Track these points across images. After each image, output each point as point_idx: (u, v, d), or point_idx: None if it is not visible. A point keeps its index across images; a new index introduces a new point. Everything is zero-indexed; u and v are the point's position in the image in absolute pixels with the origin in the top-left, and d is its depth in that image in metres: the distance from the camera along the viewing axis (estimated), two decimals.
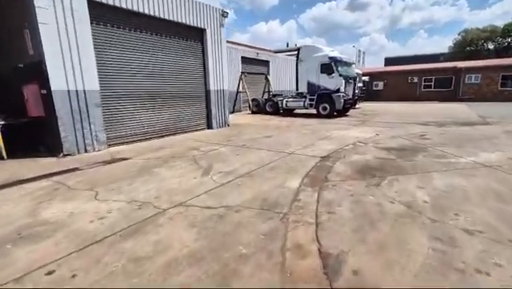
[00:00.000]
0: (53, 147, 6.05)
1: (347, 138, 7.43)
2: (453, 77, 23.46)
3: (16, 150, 6.06)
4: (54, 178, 4.42)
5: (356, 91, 14.39)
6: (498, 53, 35.20)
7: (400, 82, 25.66)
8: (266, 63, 20.62)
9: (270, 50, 21.49)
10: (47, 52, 5.50)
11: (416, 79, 25.03)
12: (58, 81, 5.70)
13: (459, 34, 40.26)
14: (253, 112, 16.55)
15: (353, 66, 14.37)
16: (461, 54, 37.28)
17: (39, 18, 5.33)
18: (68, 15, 5.74)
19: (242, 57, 18.00)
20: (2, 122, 5.82)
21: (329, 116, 13.24)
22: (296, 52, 14.31)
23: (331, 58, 12.88)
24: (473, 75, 22.04)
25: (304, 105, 14.19)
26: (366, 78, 24.73)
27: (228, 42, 17.06)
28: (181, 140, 7.84)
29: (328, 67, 12.88)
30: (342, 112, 14.19)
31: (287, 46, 39.82)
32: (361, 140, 7.04)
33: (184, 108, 8.90)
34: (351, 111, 15.31)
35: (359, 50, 73.28)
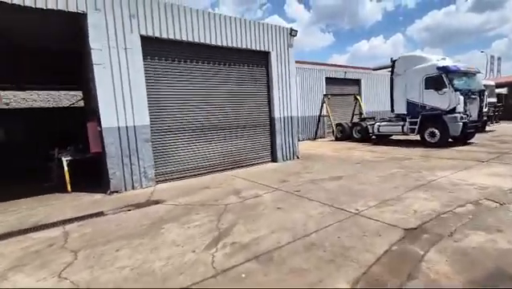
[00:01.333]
0: (105, 183, 6.11)
1: (463, 188, 4.74)
2: None
3: (83, 183, 6.43)
4: (69, 226, 4.07)
5: (485, 110, 10.36)
6: None
7: None
8: (356, 82, 18.19)
9: (362, 68, 18.94)
10: (100, 91, 5.64)
11: None
12: (108, 118, 5.75)
13: None
14: (337, 139, 14.37)
15: (478, 76, 10.51)
16: None
17: (94, 59, 5.53)
18: (122, 54, 5.83)
19: (327, 78, 16.33)
20: (69, 158, 6.29)
21: (439, 144, 9.83)
22: (391, 66, 11.63)
23: (440, 68, 9.71)
24: None
25: (403, 130, 11.17)
26: (503, 90, 18.45)
27: (310, 63, 15.86)
28: (233, 177, 6.88)
29: (437, 80, 9.72)
30: (461, 139, 10.40)
31: (391, 60, 35.04)
32: (491, 195, 4.28)
33: (244, 140, 8.02)
34: (477, 137, 11.13)
35: (492, 57, 57.91)
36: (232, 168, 7.73)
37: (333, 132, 14.76)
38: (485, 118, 10.40)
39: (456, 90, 9.41)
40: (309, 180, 6.02)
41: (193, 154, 7.12)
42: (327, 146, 12.26)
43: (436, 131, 9.95)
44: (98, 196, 5.74)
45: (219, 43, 7.19)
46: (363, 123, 12.98)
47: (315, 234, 3.28)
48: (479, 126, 10.38)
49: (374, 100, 18.70)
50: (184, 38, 6.63)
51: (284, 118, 8.64)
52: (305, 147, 12.36)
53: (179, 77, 6.83)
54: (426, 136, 10.30)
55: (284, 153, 8.69)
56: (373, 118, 14.07)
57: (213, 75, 7.36)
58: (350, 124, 13.76)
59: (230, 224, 3.76)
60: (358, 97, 15.98)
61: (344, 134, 13.91)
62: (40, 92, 16.04)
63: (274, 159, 8.56)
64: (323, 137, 16.13)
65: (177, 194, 5.54)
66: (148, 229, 3.79)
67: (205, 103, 7.25)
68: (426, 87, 10.15)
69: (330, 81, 16.53)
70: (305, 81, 15.30)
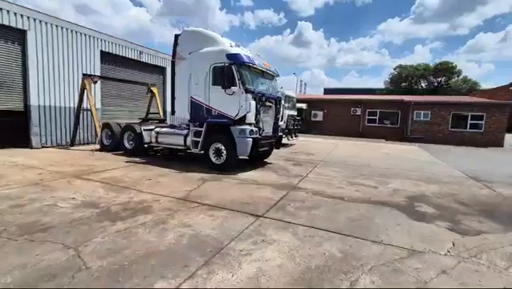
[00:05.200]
0: None
1: None
2: (399, 112, 19.92)
3: None
4: None
5: (281, 123, 8.31)
6: (429, 92, 35.20)
7: (342, 113, 21.37)
8: (159, 71, 13.72)
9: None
10: None
11: (359, 111, 20.98)
12: None
13: (395, 70, 40.26)
14: (103, 148, 9.09)
15: (276, 80, 8.34)
16: (397, 89, 36.52)
17: None
18: None
19: (104, 52, 10.74)
20: None
21: (226, 168, 6.69)
22: (173, 43, 7.64)
23: (230, 56, 6.56)
24: (422, 112, 18.68)
25: (185, 143, 7.45)
26: (303, 105, 19.70)
27: (72, 23, 9.75)
28: None
29: (225, 73, 6.48)
30: (258, 158, 7.88)
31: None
32: None
33: None
34: (276, 154, 9.13)
35: (301, 80, 72.73)
36: None
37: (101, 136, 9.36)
38: (280, 134, 8.37)
39: (247, 91, 6.47)
40: None
41: None
42: (45, 164, 6.68)
43: (223, 148, 6.76)
44: None
45: None
46: (137, 127, 8.39)
47: None
48: (274, 143, 8.16)
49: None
50: None
51: None
52: None
53: None
54: (211, 155, 6.95)
55: None
56: (163, 120, 9.91)
57: None
58: (121, 129, 8.83)
59: None
60: (154, 90, 11.42)
61: (114, 141, 8.85)
62: None
63: None
64: (92, 143, 10.40)
65: None
66: None
67: None
68: (214, 83, 6.79)
69: (112, 59, 11.08)
70: (54, 49, 9.04)
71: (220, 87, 6.58)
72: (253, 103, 6.54)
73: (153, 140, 8.01)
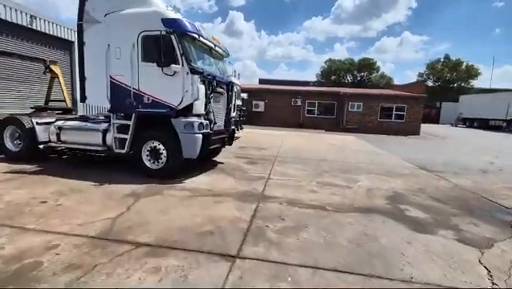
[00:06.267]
0: None
1: None
2: (335, 103, 20.63)
3: None
4: None
5: (234, 114, 6.87)
6: (354, 86, 38.54)
7: (283, 104, 21.07)
8: (65, 46, 10.58)
9: None
10: None
11: (299, 102, 20.98)
12: None
13: (325, 63, 42.78)
14: None
15: (225, 61, 6.81)
16: (327, 82, 38.81)
17: None
18: None
19: None
20: None
21: (166, 174, 5.00)
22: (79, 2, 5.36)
23: (168, 22, 4.78)
24: (356, 104, 19.69)
25: (104, 141, 5.37)
26: (244, 95, 18.51)
27: None
28: None
29: (163, 45, 4.68)
30: (203, 157, 6.31)
31: None
32: None
33: None
34: (224, 150, 7.67)
35: (235, 70, 71.57)
36: None
37: None
38: (233, 127, 6.92)
39: (193, 71, 4.83)
40: None
41: None
42: None
43: (162, 147, 5.01)
44: None
45: None
46: (26, 119, 5.80)
47: None
48: (227, 138, 6.69)
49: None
50: None
51: None
52: None
53: None
54: (145, 158, 5.12)
55: None
56: (69, 111, 7.36)
57: None
58: (1, 120, 6.06)
59: None
60: (55, 68, 8.48)
61: None
62: None
63: None
64: None
65: None
66: None
67: None
68: (145, 58, 4.92)
69: None
70: None
71: (154, 64, 4.76)
72: (202, 87, 4.96)
73: (53, 137, 5.63)
